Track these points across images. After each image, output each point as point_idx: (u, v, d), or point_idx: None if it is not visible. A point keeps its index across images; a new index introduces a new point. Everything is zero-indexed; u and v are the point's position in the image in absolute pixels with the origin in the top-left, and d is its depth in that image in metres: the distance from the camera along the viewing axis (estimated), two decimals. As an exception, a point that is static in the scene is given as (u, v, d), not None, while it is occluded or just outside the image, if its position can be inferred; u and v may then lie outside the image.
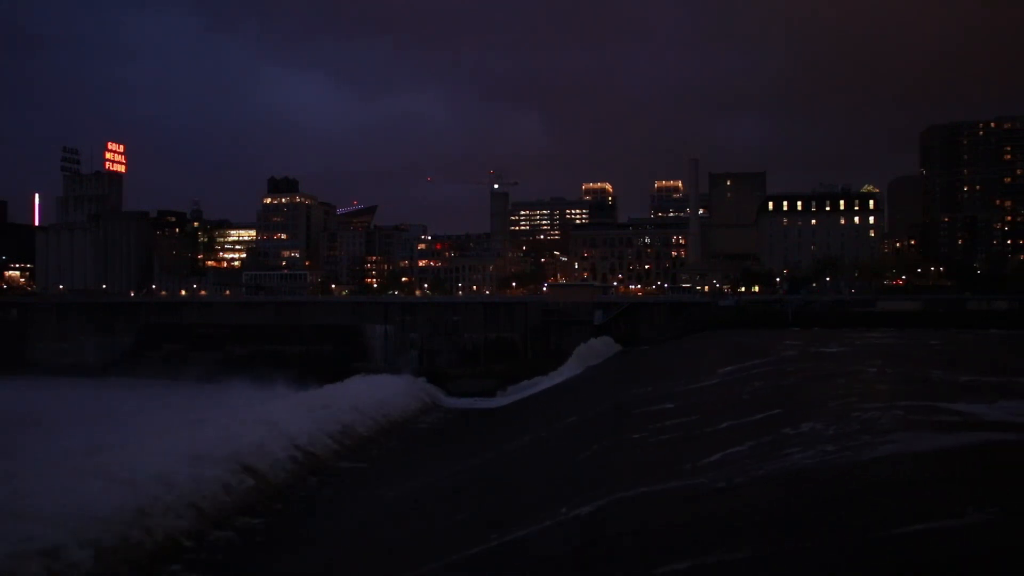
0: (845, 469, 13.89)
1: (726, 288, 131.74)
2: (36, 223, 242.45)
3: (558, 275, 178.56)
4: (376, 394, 52.91)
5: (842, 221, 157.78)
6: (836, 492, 12.72)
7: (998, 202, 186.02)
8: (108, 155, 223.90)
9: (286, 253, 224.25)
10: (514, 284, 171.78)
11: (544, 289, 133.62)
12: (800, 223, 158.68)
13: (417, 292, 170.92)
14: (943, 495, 11.52)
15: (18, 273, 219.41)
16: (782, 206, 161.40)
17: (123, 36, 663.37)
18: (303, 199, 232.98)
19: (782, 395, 25.93)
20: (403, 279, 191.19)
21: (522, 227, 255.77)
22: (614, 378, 53.79)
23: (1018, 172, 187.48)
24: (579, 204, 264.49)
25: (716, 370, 38.69)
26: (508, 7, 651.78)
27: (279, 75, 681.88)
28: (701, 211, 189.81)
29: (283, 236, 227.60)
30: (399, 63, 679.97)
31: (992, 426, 16.04)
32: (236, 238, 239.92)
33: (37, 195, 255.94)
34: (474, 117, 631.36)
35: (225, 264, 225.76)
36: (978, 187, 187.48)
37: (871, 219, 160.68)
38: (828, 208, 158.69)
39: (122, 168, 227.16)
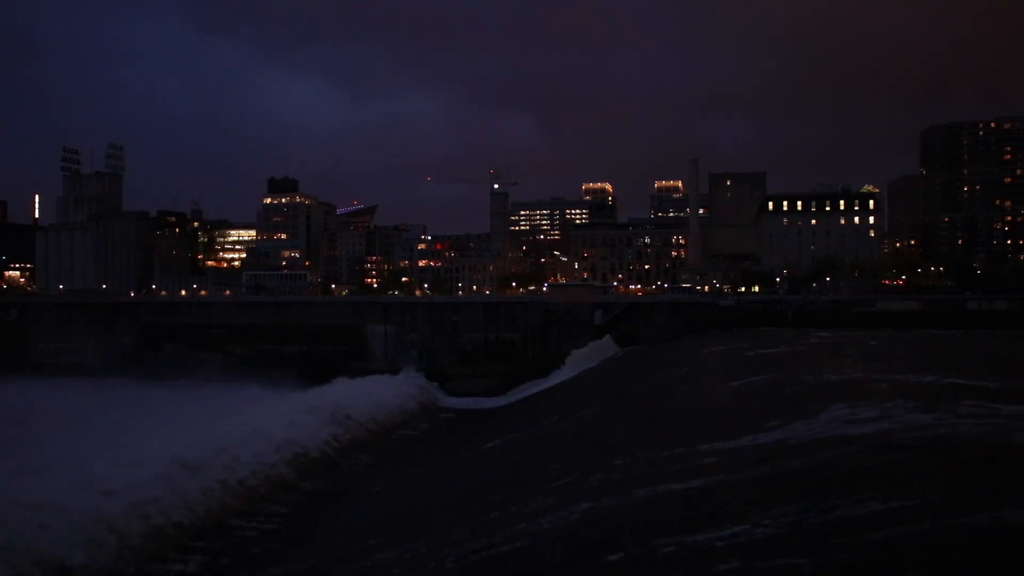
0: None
1: (726, 288, 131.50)
2: (36, 223, 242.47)
3: (558, 275, 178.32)
4: (375, 394, 52.98)
5: (842, 221, 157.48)
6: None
7: (998, 202, 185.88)
8: (108, 155, 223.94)
9: (286, 253, 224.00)
10: (514, 284, 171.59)
11: (544, 289, 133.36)
12: (800, 223, 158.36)
13: (417, 292, 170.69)
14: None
15: (18, 273, 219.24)
16: (782, 206, 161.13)
17: (122, 39, 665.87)
18: (303, 199, 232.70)
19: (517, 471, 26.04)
20: (403, 279, 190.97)
21: (522, 227, 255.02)
22: (612, 380, 53.84)
23: (1018, 172, 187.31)
24: (579, 204, 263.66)
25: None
26: (502, 10, 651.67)
27: (276, 77, 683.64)
28: (701, 211, 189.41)
29: (283, 236, 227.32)
30: (394, 66, 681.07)
31: (740, 464, 15.50)
32: (236, 238, 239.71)
33: (37, 195, 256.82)
34: (472, 118, 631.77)
35: (225, 264, 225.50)
36: (978, 187, 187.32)
37: (871, 219, 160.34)
38: (828, 208, 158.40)
39: (122, 168, 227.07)
